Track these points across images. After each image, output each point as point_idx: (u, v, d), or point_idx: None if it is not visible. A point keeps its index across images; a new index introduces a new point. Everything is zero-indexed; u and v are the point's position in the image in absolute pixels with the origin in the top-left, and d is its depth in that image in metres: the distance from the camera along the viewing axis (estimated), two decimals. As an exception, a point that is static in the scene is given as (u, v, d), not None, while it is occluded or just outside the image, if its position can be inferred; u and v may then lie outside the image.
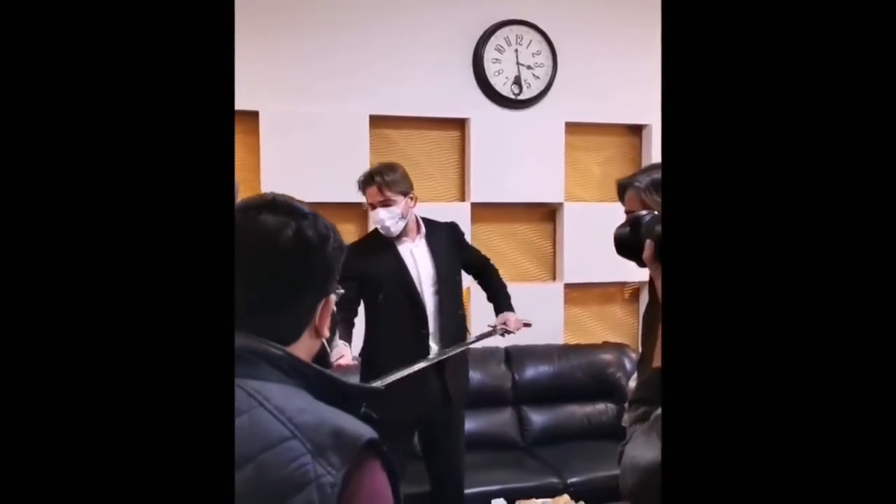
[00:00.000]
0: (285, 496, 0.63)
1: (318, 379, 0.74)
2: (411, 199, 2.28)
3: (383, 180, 2.21)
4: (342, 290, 0.84)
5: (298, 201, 0.79)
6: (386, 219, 2.21)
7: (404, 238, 2.30)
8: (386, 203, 2.21)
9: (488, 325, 2.47)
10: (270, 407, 0.67)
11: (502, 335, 2.44)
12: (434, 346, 2.25)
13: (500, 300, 2.48)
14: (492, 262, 2.55)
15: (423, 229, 2.34)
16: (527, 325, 2.46)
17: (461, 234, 2.48)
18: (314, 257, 0.76)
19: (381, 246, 2.30)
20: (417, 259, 2.31)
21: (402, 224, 2.25)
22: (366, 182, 2.25)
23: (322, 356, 0.82)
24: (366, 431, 0.69)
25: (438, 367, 2.22)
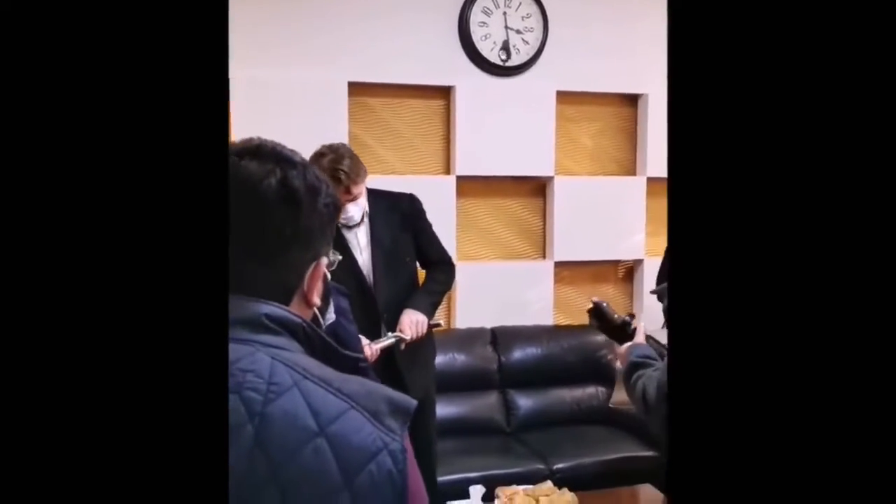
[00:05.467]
0: (361, 465, 0.63)
1: (322, 347, 0.74)
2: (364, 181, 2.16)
3: (349, 177, 2.04)
4: (338, 256, 0.81)
5: (288, 149, 0.75)
6: (355, 214, 2.13)
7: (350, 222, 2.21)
8: (354, 199, 2.11)
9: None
10: (314, 378, 0.66)
11: (400, 345, 2.11)
12: (390, 335, 2.16)
13: (414, 296, 2.22)
14: (447, 259, 2.35)
15: (367, 207, 2.20)
16: (435, 325, 2.25)
17: (419, 210, 2.30)
18: (302, 211, 0.72)
19: None
20: (362, 245, 2.21)
21: (366, 208, 2.18)
22: (330, 176, 2.13)
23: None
24: (409, 397, 0.69)
25: (391, 356, 2.14)
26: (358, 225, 2.19)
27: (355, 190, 2.09)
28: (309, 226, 0.73)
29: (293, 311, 0.73)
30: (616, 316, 1.63)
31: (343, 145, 2.17)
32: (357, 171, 2.08)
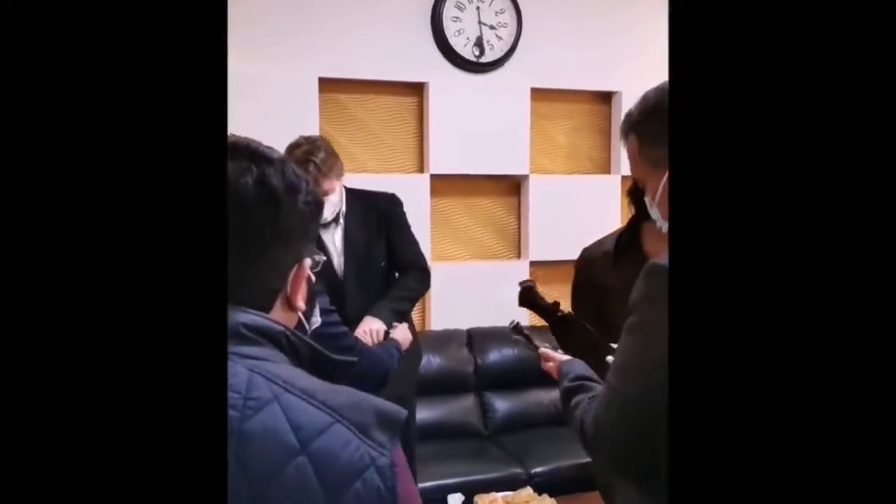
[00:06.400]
0: (347, 484, 0.60)
1: (309, 355, 0.71)
2: (340, 177, 2.09)
3: (318, 169, 1.95)
4: (322, 257, 0.78)
5: (265, 146, 0.72)
6: (324, 209, 2.01)
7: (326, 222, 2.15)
8: (325, 193, 2.00)
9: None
10: (296, 391, 0.63)
11: None
12: None
13: (377, 303, 2.10)
14: (422, 265, 2.25)
15: (343, 208, 2.15)
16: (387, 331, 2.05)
17: (397, 212, 2.22)
18: (282, 210, 0.69)
19: None
20: (337, 246, 2.15)
21: (337, 207, 2.10)
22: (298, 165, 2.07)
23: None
24: (399, 408, 0.67)
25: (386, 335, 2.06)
26: (333, 224, 2.13)
27: (326, 185, 2.01)
28: (289, 226, 0.70)
29: (273, 319, 0.69)
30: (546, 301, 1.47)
31: (321, 138, 2.11)
32: (330, 166, 2.01)
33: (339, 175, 2.08)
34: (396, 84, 3.18)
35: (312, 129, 2.91)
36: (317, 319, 0.85)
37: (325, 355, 0.72)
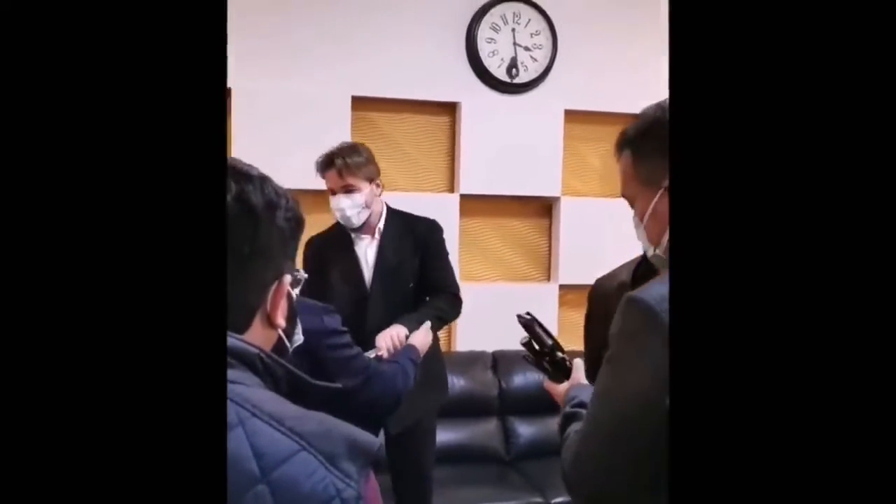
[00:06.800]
0: None
1: (285, 378, 0.70)
2: (377, 185, 2.15)
3: (344, 163, 2.07)
4: (304, 274, 0.77)
5: (245, 163, 0.72)
6: (346, 207, 2.09)
7: (363, 234, 2.19)
8: (348, 189, 2.08)
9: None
10: (264, 416, 0.62)
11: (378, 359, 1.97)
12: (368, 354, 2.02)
13: (406, 315, 2.07)
14: (454, 290, 2.23)
15: (382, 225, 2.18)
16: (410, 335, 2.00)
17: (439, 238, 2.23)
18: (260, 227, 0.69)
19: (339, 244, 2.19)
20: (370, 261, 2.18)
21: (364, 214, 2.13)
22: (325, 164, 2.11)
23: (280, 351, 0.76)
24: (373, 437, 0.65)
25: None
26: (369, 238, 2.17)
27: (349, 179, 2.07)
28: (268, 242, 0.70)
29: (247, 341, 0.67)
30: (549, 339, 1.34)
31: (361, 145, 2.19)
32: (357, 166, 2.08)
33: (368, 177, 2.12)
34: (429, 103, 3.19)
35: (344, 146, 2.94)
36: (299, 338, 0.84)
37: (304, 380, 0.71)
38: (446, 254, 2.27)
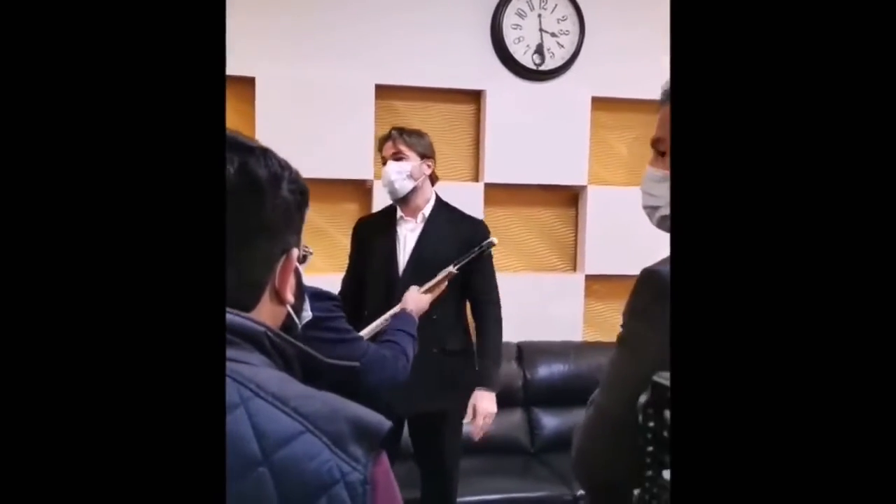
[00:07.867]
0: (309, 500, 0.57)
1: (297, 357, 0.69)
2: (428, 166, 2.22)
3: (400, 133, 2.18)
4: (311, 250, 0.77)
5: (247, 136, 0.72)
6: (392, 172, 2.16)
7: (407, 217, 2.24)
8: (397, 156, 2.18)
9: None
10: (268, 396, 0.60)
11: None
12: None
13: (485, 360, 2.23)
14: (494, 299, 2.29)
15: (427, 212, 2.24)
16: (488, 245, 2.15)
17: (484, 242, 2.18)
18: (265, 199, 0.68)
19: (382, 225, 2.26)
20: (408, 245, 2.23)
21: (409, 185, 2.18)
22: (385, 137, 2.24)
23: (289, 328, 0.76)
24: (382, 418, 0.63)
25: (442, 353, 2.14)
26: (413, 222, 2.22)
27: (401, 146, 2.16)
28: (274, 215, 0.69)
29: (253, 318, 0.66)
30: None
31: (420, 130, 2.30)
32: (412, 138, 2.19)
33: (420, 152, 2.19)
34: (453, 91, 3.18)
35: (368, 135, 2.94)
36: (307, 314, 0.83)
37: (317, 358, 0.69)
38: (491, 257, 2.27)
